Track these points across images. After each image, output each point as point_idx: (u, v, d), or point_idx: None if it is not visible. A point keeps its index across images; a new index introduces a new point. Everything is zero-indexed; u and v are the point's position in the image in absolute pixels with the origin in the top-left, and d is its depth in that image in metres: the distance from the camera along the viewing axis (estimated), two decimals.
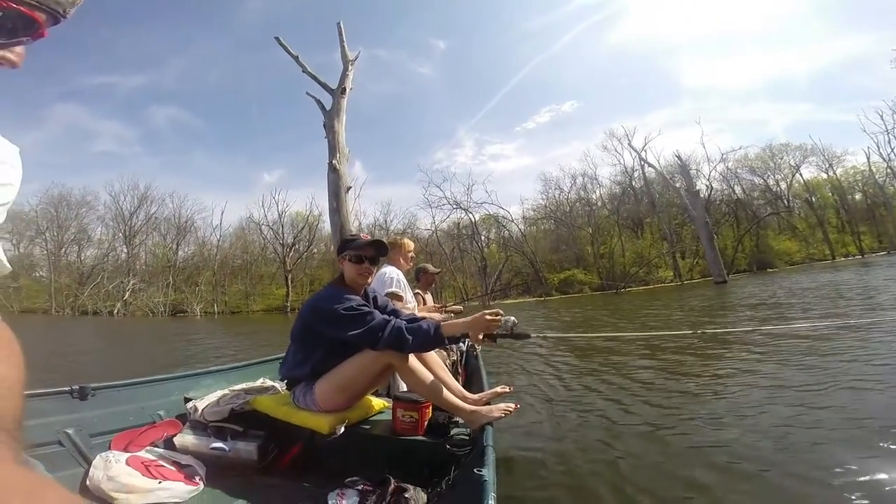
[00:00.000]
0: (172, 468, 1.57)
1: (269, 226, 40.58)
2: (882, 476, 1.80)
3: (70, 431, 1.68)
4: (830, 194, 39.60)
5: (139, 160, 56.74)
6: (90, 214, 39.91)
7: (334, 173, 10.16)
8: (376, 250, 2.04)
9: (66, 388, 1.80)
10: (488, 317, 1.74)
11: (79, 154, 57.27)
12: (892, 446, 2.05)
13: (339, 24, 11.90)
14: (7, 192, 0.58)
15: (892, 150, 36.42)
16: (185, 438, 1.84)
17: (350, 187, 10.49)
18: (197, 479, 1.57)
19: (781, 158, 39.38)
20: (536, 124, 64.82)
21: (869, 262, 24.56)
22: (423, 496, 1.46)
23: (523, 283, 33.24)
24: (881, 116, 36.07)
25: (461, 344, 3.10)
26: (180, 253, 41.89)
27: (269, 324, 21.36)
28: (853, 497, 1.67)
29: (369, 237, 2.06)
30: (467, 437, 1.74)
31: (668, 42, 68.82)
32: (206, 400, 2.03)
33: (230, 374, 2.68)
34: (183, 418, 2.06)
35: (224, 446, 1.76)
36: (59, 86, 56.74)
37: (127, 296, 35.13)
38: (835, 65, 55.42)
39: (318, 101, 11.10)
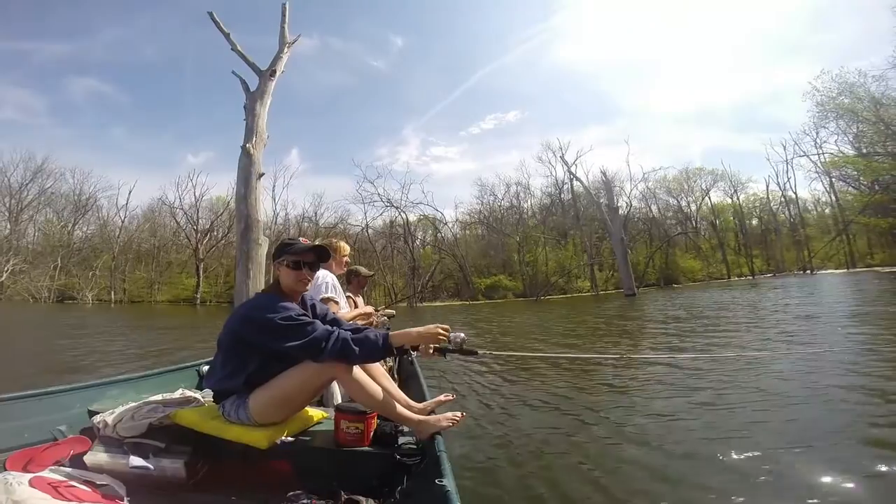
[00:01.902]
0: (86, 489, 1.39)
1: (183, 209, 37.15)
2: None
3: None
4: (732, 218, 43.75)
5: (44, 132, 51.55)
6: None
7: (247, 158, 9.64)
8: (317, 256, 1.93)
9: None
10: (440, 330, 1.75)
11: None
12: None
13: (284, 4, 11.59)
14: None
15: (789, 179, 40.77)
16: (98, 456, 1.63)
17: (263, 174, 9.99)
18: (119, 499, 1.42)
19: (695, 181, 43.18)
20: (481, 130, 66.30)
21: (757, 282, 28.32)
22: None
23: (454, 286, 33.77)
24: (784, 147, 39.13)
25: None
26: (77, 233, 36.96)
27: (176, 316, 19.61)
28: None
29: (308, 241, 1.95)
30: (415, 447, 1.74)
31: (605, 64, 74.45)
32: (116, 413, 1.81)
33: (141, 383, 2.44)
34: (90, 433, 1.83)
35: (147, 464, 1.60)
36: None
37: (4, 277, 30.15)
38: (756, 95, 61.00)
39: (243, 82, 10.74)
